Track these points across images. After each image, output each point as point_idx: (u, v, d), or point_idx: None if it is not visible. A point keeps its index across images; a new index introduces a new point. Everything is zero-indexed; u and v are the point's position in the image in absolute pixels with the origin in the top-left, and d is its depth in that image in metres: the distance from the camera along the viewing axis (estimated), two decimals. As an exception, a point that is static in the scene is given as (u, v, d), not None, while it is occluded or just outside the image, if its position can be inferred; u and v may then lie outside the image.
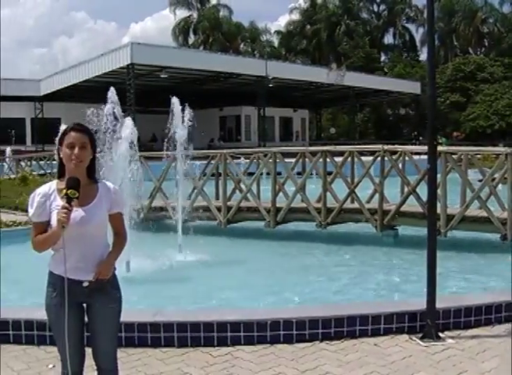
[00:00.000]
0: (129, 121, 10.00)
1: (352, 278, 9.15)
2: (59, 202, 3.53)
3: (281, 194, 13.23)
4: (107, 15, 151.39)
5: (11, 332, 5.96)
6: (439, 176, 8.99)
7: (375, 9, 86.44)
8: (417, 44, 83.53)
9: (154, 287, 8.52)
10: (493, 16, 76.15)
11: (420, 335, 5.91)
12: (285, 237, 12.79)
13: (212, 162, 14.10)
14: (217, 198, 14.30)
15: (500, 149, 13.65)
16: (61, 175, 3.68)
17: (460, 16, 76.21)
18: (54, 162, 26.33)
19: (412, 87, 60.12)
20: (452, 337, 5.92)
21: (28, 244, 3.78)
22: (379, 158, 12.00)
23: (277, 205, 12.82)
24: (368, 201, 12.88)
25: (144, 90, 41.33)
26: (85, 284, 3.62)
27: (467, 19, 75.55)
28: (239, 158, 19.00)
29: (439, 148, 9.71)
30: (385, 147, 12.18)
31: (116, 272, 3.82)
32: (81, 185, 3.50)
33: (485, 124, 58.56)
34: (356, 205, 12.34)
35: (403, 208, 11.74)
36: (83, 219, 3.56)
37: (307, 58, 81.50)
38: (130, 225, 8.98)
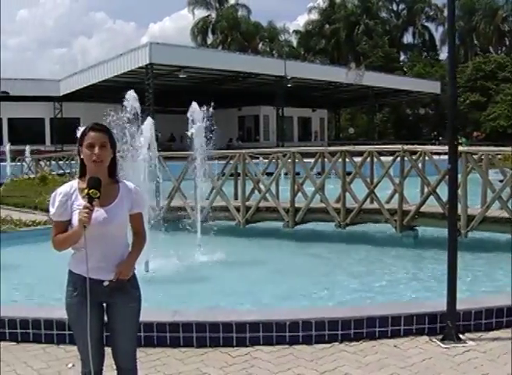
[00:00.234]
0: (148, 121, 10.04)
1: (371, 279, 9.11)
2: (81, 202, 3.55)
3: (300, 194, 13.21)
4: (126, 15, 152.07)
5: (31, 331, 6.01)
6: (459, 176, 8.94)
7: (395, 8, 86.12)
8: (437, 43, 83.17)
9: (173, 287, 8.55)
10: (514, 14, 75.56)
11: (440, 337, 5.87)
12: (304, 238, 12.76)
13: (231, 162, 14.12)
14: (235, 198, 14.30)
15: (521, 149, 13.56)
16: (82, 174, 3.69)
17: (481, 14, 75.64)
18: (73, 161, 26.49)
19: (432, 86, 59.77)
20: (473, 339, 5.87)
21: (47, 244, 3.81)
22: (399, 159, 11.95)
23: (296, 206, 12.81)
24: (388, 202, 12.82)
25: (162, 90, 41.44)
26: (105, 284, 3.64)
27: (488, 18, 74.97)
28: (257, 158, 19.04)
29: (460, 148, 9.65)
30: (405, 147, 12.12)
31: (135, 271, 3.83)
32: (102, 185, 3.51)
33: (506, 124, 58.06)
34: (375, 205, 12.29)
35: (422, 209, 11.67)
36: (105, 219, 3.58)
37: (326, 57, 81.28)
38: (149, 225, 9.01)
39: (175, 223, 12.54)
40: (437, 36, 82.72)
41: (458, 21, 71.41)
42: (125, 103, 9.88)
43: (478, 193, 11.98)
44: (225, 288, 8.66)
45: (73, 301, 3.67)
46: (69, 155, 28.76)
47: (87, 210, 3.42)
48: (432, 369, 5.20)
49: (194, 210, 11.91)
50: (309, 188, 13.24)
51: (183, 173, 13.88)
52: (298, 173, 13.82)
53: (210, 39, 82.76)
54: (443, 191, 9.90)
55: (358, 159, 13.01)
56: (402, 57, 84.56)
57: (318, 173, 13.78)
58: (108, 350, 3.82)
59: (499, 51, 75.38)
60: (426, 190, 11.82)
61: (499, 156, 13.66)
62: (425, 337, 5.92)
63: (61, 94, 49.61)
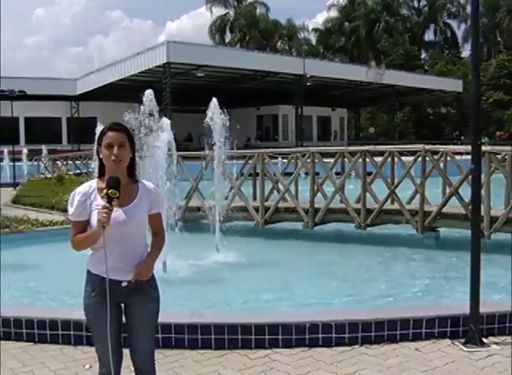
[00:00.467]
0: (166, 121, 10.08)
1: (392, 281, 9.08)
2: (100, 202, 3.57)
3: (319, 194, 13.19)
4: (143, 13, 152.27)
5: (48, 332, 6.05)
6: (482, 176, 8.87)
7: (416, 5, 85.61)
8: (459, 40, 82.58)
9: (191, 288, 8.58)
10: (539, 10, 74.88)
11: (463, 340, 5.84)
12: (323, 239, 12.75)
13: (250, 161, 14.13)
14: (254, 199, 14.31)
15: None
16: (101, 174, 3.71)
17: (505, 10, 75.03)
18: (90, 161, 26.64)
19: (454, 85, 59.38)
20: (497, 343, 5.83)
21: (64, 244, 3.83)
22: (420, 159, 11.90)
23: (315, 206, 12.80)
24: (409, 203, 12.76)
25: (180, 89, 41.52)
26: (124, 284, 3.65)
27: (512, 14, 74.42)
28: (276, 158, 19.03)
29: (483, 147, 9.58)
30: (427, 147, 12.07)
31: (154, 272, 3.83)
32: (121, 185, 3.52)
33: (530, 123, 57.63)
34: (396, 206, 12.25)
35: (444, 210, 11.61)
36: (124, 219, 3.59)
37: (346, 56, 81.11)
38: (167, 225, 9.03)
39: (193, 224, 12.58)
40: (459, 33, 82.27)
41: (481, 18, 70.84)
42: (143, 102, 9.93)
43: (502, 194, 11.89)
44: (243, 290, 8.66)
45: (91, 301, 3.68)
46: (86, 154, 28.96)
47: (106, 210, 3.43)
48: (454, 373, 5.17)
49: (212, 210, 11.93)
50: (329, 188, 13.22)
51: (200, 173, 13.91)
52: (317, 173, 13.81)
53: (228, 37, 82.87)
54: (466, 192, 9.88)
55: (379, 159, 12.98)
56: (423, 55, 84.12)
57: (338, 173, 13.74)
58: (126, 351, 3.83)
59: (524, 49, 74.77)
60: (448, 190, 11.77)
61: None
62: (447, 341, 5.89)
63: (78, 93, 49.87)
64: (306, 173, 14.17)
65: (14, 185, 26.73)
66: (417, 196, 12.21)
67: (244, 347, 5.76)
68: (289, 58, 54.03)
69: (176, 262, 9.24)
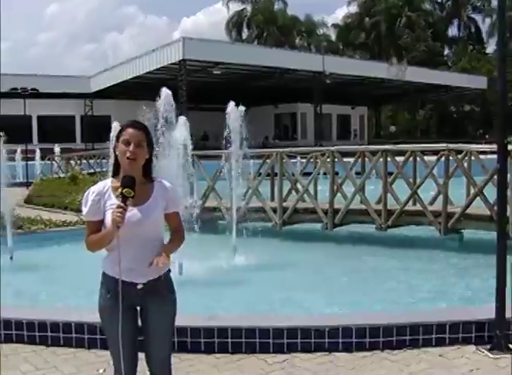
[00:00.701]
0: (182, 119, 10.11)
1: (415, 284, 9.03)
2: (114, 201, 3.57)
3: (339, 195, 13.16)
4: (158, 9, 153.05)
5: (61, 334, 6.07)
6: (508, 176, 8.80)
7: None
8: (484, 35, 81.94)
9: (207, 291, 8.57)
10: None
11: (488, 346, 5.77)
12: (343, 240, 12.71)
13: (268, 161, 14.12)
14: (272, 199, 14.30)
15: None
16: (116, 173, 3.71)
17: (532, 5, 74.47)
18: (104, 160, 26.79)
19: (478, 82, 59.14)
20: (524, 350, 5.78)
21: (78, 245, 3.84)
22: (443, 158, 11.83)
23: (335, 207, 12.76)
24: (431, 203, 12.71)
25: (195, 86, 41.64)
26: (139, 287, 3.64)
27: (540, 9, 73.79)
28: (295, 157, 19.01)
29: (509, 146, 9.51)
30: (450, 146, 12.00)
31: (171, 274, 3.83)
32: (136, 184, 3.52)
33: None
34: (418, 207, 12.19)
35: (468, 211, 11.53)
36: (138, 218, 3.59)
37: (366, 52, 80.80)
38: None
39: (209, 224, 12.59)
40: (484, 28, 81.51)
41: (508, 11, 70.42)
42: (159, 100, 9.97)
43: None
44: (261, 292, 8.66)
45: (106, 304, 3.69)
46: (100, 153, 29.11)
47: (120, 210, 3.43)
48: (479, 380, 5.13)
49: (229, 211, 11.94)
50: (348, 189, 13.18)
51: (217, 173, 13.92)
52: (337, 173, 13.77)
53: (245, 34, 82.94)
54: (490, 193, 9.81)
55: (400, 159, 12.92)
56: (446, 51, 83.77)
57: (358, 173, 13.70)
58: (141, 355, 3.83)
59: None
60: (472, 191, 11.68)
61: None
62: (472, 347, 5.83)
63: (91, 91, 50.18)
64: (325, 173, 14.13)
65: (27, 185, 26.94)
66: (440, 197, 12.15)
67: (262, 351, 5.75)
68: (307, 55, 54.11)
69: (192, 263, 9.25)
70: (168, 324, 3.80)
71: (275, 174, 13.99)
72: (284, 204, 13.41)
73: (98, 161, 29.85)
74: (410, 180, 12.76)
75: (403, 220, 12.33)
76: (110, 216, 3.50)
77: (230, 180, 12.04)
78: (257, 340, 5.79)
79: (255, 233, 11.55)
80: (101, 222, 3.64)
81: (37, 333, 6.12)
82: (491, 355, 5.63)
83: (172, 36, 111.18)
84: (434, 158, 12.49)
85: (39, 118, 49.02)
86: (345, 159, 13.58)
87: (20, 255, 10.63)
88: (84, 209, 3.68)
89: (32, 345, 6.05)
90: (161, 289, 3.72)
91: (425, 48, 72.59)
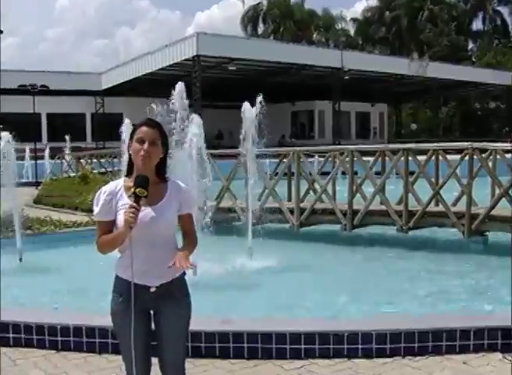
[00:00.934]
0: (196, 118, 10.13)
1: (438, 288, 8.99)
2: (126, 201, 3.58)
3: (358, 195, 13.13)
4: (171, 3, 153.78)
5: (72, 339, 6.10)
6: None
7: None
8: (510, 29, 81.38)
9: (222, 294, 8.58)
10: None
11: (515, 354, 5.75)
12: (362, 242, 12.68)
13: (284, 160, 14.11)
14: (289, 200, 14.29)
15: None
16: (129, 172, 3.71)
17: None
18: (115, 159, 26.87)
19: (503, 77, 58.72)
20: (552, 358, 5.73)
21: (89, 246, 3.85)
22: (467, 157, 11.78)
23: (354, 208, 12.73)
24: (455, 204, 12.66)
25: (210, 83, 41.72)
26: (152, 290, 3.64)
27: None
28: (313, 156, 18.97)
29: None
30: (474, 144, 11.94)
31: (185, 277, 3.84)
32: (150, 183, 3.53)
33: None
34: (441, 208, 12.14)
35: (493, 212, 11.47)
36: (152, 219, 3.59)
37: (386, 47, 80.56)
38: (197, 227, 9.06)
39: (224, 225, 12.60)
40: (510, 21, 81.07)
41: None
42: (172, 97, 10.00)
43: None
44: (278, 295, 8.66)
45: (119, 307, 3.69)
46: (112, 152, 29.20)
47: (133, 210, 3.43)
48: (506, 389, 5.10)
49: (245, 212, 11.95)
50: (368, 189, 13.15)
51: (232, 172, 13.94)
52: (356, 173, 13.74)
53: (261, 28, 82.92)
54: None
55: (422, 158, 12.87)
56: (470, 45, 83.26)
57: (377, 173, 13.67)
58: (154, 360, 3.83)
59: None
60: (497, 191, 11.62)
61: None
62: (498, 354, 5.78)
63: (102, 88, 50.39)
64: (344, 173, 14.12)
65: (36, 184, 27.09)
66: (464, 197, 12.08)
67: (279, 357, 5.75)
68: (325, 51, 54.05)
69: (206, 265, 9.25)
70: (183, 328, 3.80)
71: (292, 174, 13.97)
72: (301, 204, 13.39)
73: (109, 160, 29.89)
74: (433, 179, 12.70)
75: (425, 222, 12.28)
76: (122, 216, 3.50)
77: (246, 179, 12.04)
78: (274, 345, 5.79)
79: (271, 234, 11.56)
80: (113, 222, 3.64)
81: (46, 338, 6.15)
82: (517, 363, 5.60)
83: (186, 31, 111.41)
84: (457, 157, 12.44)
85: (48, 116, 49.30)
86: (364, 158, 13.56)
87: (29, 257, 10.69)
88: (96, 209, 3.69)
89: (42, 350, 6.09)
90: (175, 292, 3.73)
91: (448, 42, 72.22)
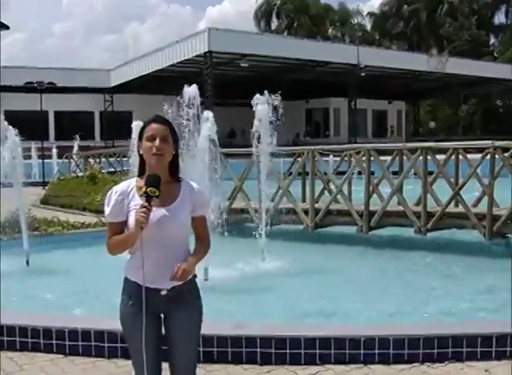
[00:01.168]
0: (209, 115, 10.15)
1: (457, 292, 8.96)
2: (138, 201, 3.57)
3: (375, 196, 13.11)
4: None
5: (80, 343, 6.12)
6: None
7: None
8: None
9: (235, 297, 8.58)
10: None
11: (540, 361, 5.72)
12: (379, 244, 12.65)
13: (299, 159, 14.11)
14: (303, 200, 14.29)
15: None
16: (141, 172, 3.72)
17: None
18: (124, 158, 26.94)
19: (526, 74, 58.49)
20: None
21: (98, 248, 3.86)
22: (489, 156, 11.73)
23: (371, 209, 12.71)
24: (475, 205, 12.60)
25: (222, 80, 41.76)
26: (163, 293, 3.64)
27: None
28: (328, 155, 18.94)
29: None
30: (496, 143, 11.89)
31: (196, 280, 3.83)
32: (162, 183, 3.52)
33: None
34: (461, 209, 12.09)
35: (516, 214, 11.43)
36: (164, 220, 3.59)
37: (404, 42, 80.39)
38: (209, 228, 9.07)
39: (237, 227, 12.61)
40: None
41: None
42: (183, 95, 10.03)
43: None
44: (292, 299, 8.65)
45: (128, 310, 3.70)
46: (121, 151, 29.26)
47: (144, 209, 3.43)
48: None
49: (258, 212, 11.95)
50: (385, 189, 13.12)
51: (245, 172, 13.94)
52: (373, 173, 13.72)
53: (274, 24, 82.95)
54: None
55: (441, 157, 12.83)
56: (492, 40, 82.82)
57: (395, 173, 13.64)
58: (165, 365, 3.84)
59: None
60: (520, 192, 11.57)
61: None
62: (521, 361, 5.76)
63: (111, 85, 50.56)
64: (360, 173, 14.09)
65: (43, 184, 27.20)
66: (485, 198, 12.04)
67: (293, 362, 5.75)
68: (341, 46, 53.98)
69: (218, 268, 9.27)
70: (194, 333, 3.80)
71: (307, 173, 13.97)
72: (316, 205, 13.38)
73: (119, 159, 29.97)
74: (452, 180, 12.67)
75: (444, 223, 12.24)
76: (133, 216, 3.51)
77: (259, 179, 12.04)
78: (288, 350, 5.79)
79: (285, 236, 11.56)
80: (124, 223, 3.65)
81: (54, 342, 6.17)
82: (543, 371, 5.56)
83: (197, 26, 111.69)
84: (478, 156, 12.38)
85: (56, 114, 49.52)
86: (381, 158, 13.51)
87: (37, 259, 10.72)
88: (107, 209, 3.69)
89: (49, 354, 6.10)
90: (187, 295, 3.72)
91: (469, 37, 71.89)
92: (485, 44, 76.81)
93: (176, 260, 3.60)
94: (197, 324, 3.80)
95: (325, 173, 13.95)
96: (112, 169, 29.12)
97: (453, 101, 63.58)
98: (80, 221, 14.10)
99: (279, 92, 11.45)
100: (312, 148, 13.92)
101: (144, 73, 45.80)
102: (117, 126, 43.44)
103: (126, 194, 3.67)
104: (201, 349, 5.58)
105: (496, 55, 74.17)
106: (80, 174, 27.62)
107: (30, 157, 33.54)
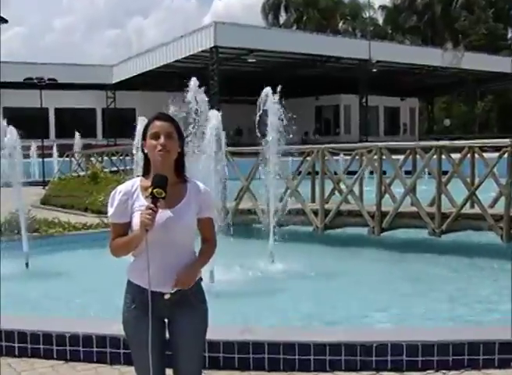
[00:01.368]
0: (214, 113, 10.15)
1: (473, 297, 8.94)
2: (143, 202, 3.57)
3: (387, 196, 13.09)
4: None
5: (81, 348, 6.12)
6: None
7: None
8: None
9: (241, 301, 8.58)
10: None
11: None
12: (391, 246, 12.63)
13: (308, 158, 14.10)
14: (313, 201, 14.28)
15: None
16: (146, 172, 3.72)
17: None
18: (127, 157, 26.99)
19: (546, 69, 58.29)
20: None
21: (100, 250, 3.86)
22: (506, 155, 11.70)
23: (383, 209, 12.69)
24: (492, 206, 12.59)
25: (228, 76, 41.78)
26: (167, 297, 3.63)
27: None
28: (338, 154, 18.94)
29: None
30: (514, 141, 11.87)
31: (201, 283, 3.83)
32: (168, 183, 3.52)
33: None
34: (477, 210, 12.06)
35: (535, 215, 11.40)
36: (170, 222, 3.58)
37: (418, 37, 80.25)
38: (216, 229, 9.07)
39: (244, 228, 12.61)
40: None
41: None
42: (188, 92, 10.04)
43: None
44: (301, 303, 8.65)
45: (131, 314, 3.70)
46: (124, 149, 29.30)
47: (149, 211, 3.42)
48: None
49: (266, 213, 11.94)
50: (398, 190, 13.11)
51: (252, 172, 13.94)
52: (385, 172, 13.70)
53: (283, 17, 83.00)
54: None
55: (456, 156, 12.81)
56: (510, 34, 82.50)
57: (407, 172, 13.62)
58: (169, 372, 3.84)
59: None
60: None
61: None
62: (541, 369, 5.73)
63: (114, 81, 50.61)
64: (371, 172, 14.08)
65: (43, 184, 27.27)
66: (502, 199, 12.01)
67: (302, 369, 5.74)
68: (352, 41, 53.96)
69: (224, 271, 9.28)
70: (199, 337, 3.80)
71: (317, 173, 13.96)
72: (326, 206, 13.37)
73: (121, 158, 30.03)
74: (468, 179, 12.64)
75: (459, 225, 12.21)
76: (138, 218, 3.50)
77: (267, 179, 12.04)
78: (297, 356, 5.78)
79: (294, 237, 11.55)
80: (128, 224, 3.65)
81: (54, 347, 6.17)
82: None
83: (202, 21, 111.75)
84: (495, 155, 12.37)
85: (57, 111, 49.63)
86: (394, 157, 13.50)
87: (37, 261, 10.75)
88: (110, 210, 3.69)
89: (49, 360, 6.11)
90: (191, 298, 3.72)
91: (485, 30, 71.66)
92: (503, 37, 76.59)
93: (181, 263, 3.61)
94: (202, 329, 3.79)
95: (336, 173, 13.94)
96: (115, 168, 29.14)
97: (468, 98, 63.40)
98: (82, 222, 14.11)
99: (288, 89, 11.44)
100: (322, 146, 13.91)
101: (147, 69, 45.87)
102: (119, 123, 43.54)
103: (130, 194, 3.67)
104: (207, 355, 5.59)
105: (513, 49, 73.97)
106: (82, 173, 27.64)
107: (29, 156, 33.61)
